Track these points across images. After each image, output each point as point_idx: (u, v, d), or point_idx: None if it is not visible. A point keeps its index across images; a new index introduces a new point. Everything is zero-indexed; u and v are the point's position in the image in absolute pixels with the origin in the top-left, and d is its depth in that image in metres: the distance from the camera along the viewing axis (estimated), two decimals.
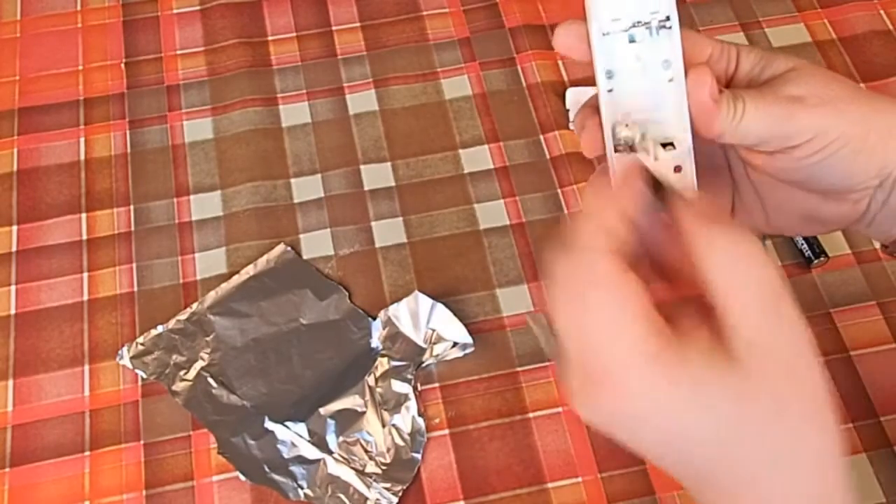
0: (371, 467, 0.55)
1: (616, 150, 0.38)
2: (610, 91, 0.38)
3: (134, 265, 0.63)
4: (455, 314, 0.58)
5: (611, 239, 0.35)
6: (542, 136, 0.68)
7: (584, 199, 0.39)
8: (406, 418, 0.56)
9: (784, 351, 0.33)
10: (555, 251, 0.35)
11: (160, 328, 0.60)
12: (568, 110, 0.69)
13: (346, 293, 0.61)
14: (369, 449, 0.55)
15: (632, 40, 0.38)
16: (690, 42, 0.40)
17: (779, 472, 0.33)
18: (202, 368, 0.58)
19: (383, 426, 0.56)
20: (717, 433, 0.32)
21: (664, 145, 0.38)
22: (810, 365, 0.33)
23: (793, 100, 0.39)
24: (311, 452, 0.55)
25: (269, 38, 0.74)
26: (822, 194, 0.42)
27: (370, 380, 0.58)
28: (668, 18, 0.38)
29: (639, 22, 0.38)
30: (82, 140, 0.69)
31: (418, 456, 0.55)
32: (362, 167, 0.67)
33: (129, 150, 0.68)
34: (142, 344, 0.59)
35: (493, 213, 0.65)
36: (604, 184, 0.38)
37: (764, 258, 0.33)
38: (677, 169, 0.38)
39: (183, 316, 0.60)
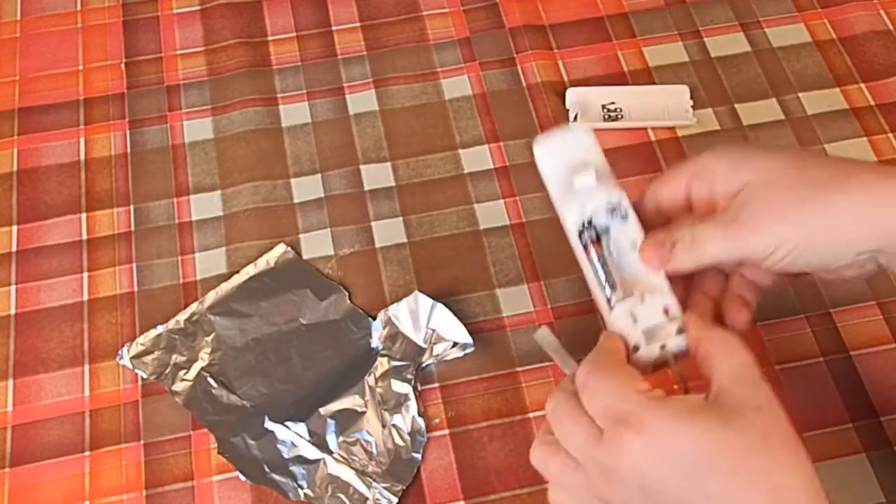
0: (371, 467, 0.55)
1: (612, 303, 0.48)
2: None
3: (134, 265, 0.63)
4: (455, 314, 0.58)
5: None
6: None
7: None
8: (406, 418, 0.56)
9: (760, 401, 0.40)
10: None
11: (160, 328, 0.60)
12: (568, 110, 0.69)
13: (346, 293, 0.61)
14: (369, 449, 0.55)
15: (606, 232, 0.49)
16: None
17: (767, 492, 0.39)
18: (202, 368, 0.58)
19: (383, 426, 0.56)
20: (719, 459, 0.39)
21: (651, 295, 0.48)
22: (782, 416, 0.40)
23: (741, 225, 0.45)
24: (311, 452, 0.55)
25: (269, 38, 0.74)
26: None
27: (370, 380, 0.58)
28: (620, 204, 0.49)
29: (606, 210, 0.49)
30: (82, 140, 0.69)
31: (418, 456, 0.55)
32: (362, 167, 0.67)
33: (129, 150, 0.68)
34: (142, 344, 0.59)
35: (493, 213, 0.65)
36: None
37: (740, 347, 0.42)
38: (666, 310, 0.47)
39: (183, 316, 0.60)
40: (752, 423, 0.39)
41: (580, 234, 0.50)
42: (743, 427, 0.39)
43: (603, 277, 0.49)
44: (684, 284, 0.50)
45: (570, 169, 0.51)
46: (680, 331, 0.47)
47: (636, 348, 0.47)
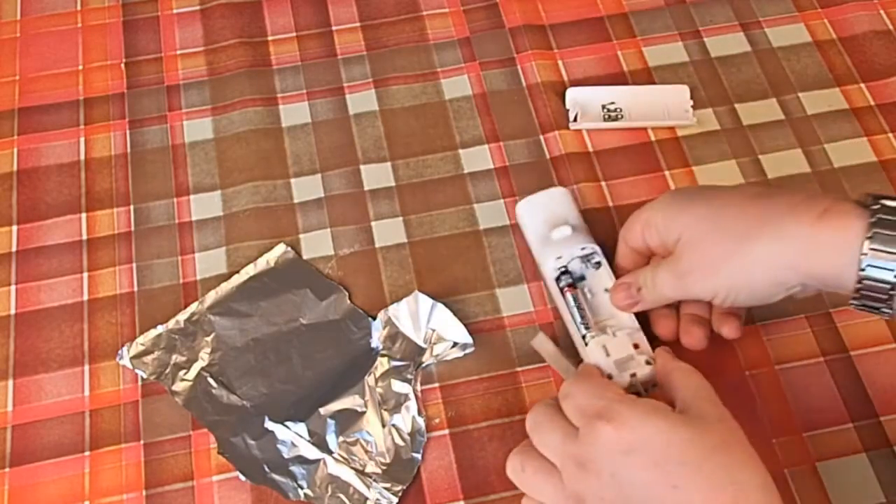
0: (371, 467, 0.55)
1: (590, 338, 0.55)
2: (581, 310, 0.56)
3: (134, 265, 0.63)
4: (455, 314, 0.58)
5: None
6: (542, 136, 0.68)
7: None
8: (406, 418, 0.56)
9: (720, 415, 0.45)
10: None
11: (160, 328, 0.60)
12: (568, 110, 0.69)
13: (346, 293, 0.61)
14: (369, 449, 0.55)
15: (582, 278, 0.57)
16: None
17: (725, 490, 0.42)
18: (202, 368, 0.58)
19: (383, 426, 0.56)
20: (686, 453, 0.42)
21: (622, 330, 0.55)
22: (739, 429, 0.44)
23: (684, 275, 0.51)
24: (311, 452, 0.55)
25: (269, 38, 0.74)
26: None
27: (370, 380, 0.58)
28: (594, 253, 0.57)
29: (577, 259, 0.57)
30: (82, 140, 0.69)
31: (418, 456, 0.55)
32: (362, 167, 0.67)
33: (129, 150, 0.68)
34: (142, 344, 0.59)
35: (493, 213, 0.65)
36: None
37: (700, 376, 0.48)
38: (636, 345, 0.53)
39: (183, 316, 0.61)
40: (714, 428, 0.44)
41: (557, 279, 0.57)
42: (707, 429, 0.43)
43: (578, 318, 0.55)
44: (673, 310, 0.56)
45: (549, 224, 0.58)
46: (648, 363, 0.52)
47: (609, 377, 0.52)
